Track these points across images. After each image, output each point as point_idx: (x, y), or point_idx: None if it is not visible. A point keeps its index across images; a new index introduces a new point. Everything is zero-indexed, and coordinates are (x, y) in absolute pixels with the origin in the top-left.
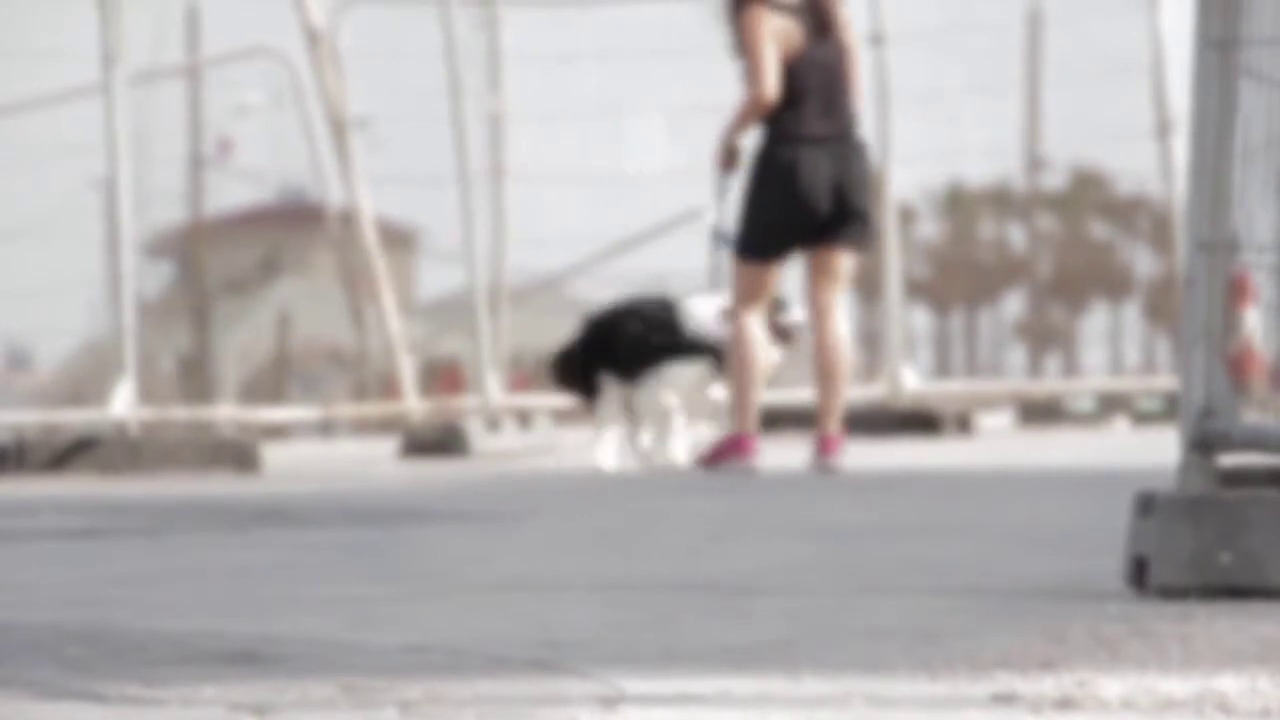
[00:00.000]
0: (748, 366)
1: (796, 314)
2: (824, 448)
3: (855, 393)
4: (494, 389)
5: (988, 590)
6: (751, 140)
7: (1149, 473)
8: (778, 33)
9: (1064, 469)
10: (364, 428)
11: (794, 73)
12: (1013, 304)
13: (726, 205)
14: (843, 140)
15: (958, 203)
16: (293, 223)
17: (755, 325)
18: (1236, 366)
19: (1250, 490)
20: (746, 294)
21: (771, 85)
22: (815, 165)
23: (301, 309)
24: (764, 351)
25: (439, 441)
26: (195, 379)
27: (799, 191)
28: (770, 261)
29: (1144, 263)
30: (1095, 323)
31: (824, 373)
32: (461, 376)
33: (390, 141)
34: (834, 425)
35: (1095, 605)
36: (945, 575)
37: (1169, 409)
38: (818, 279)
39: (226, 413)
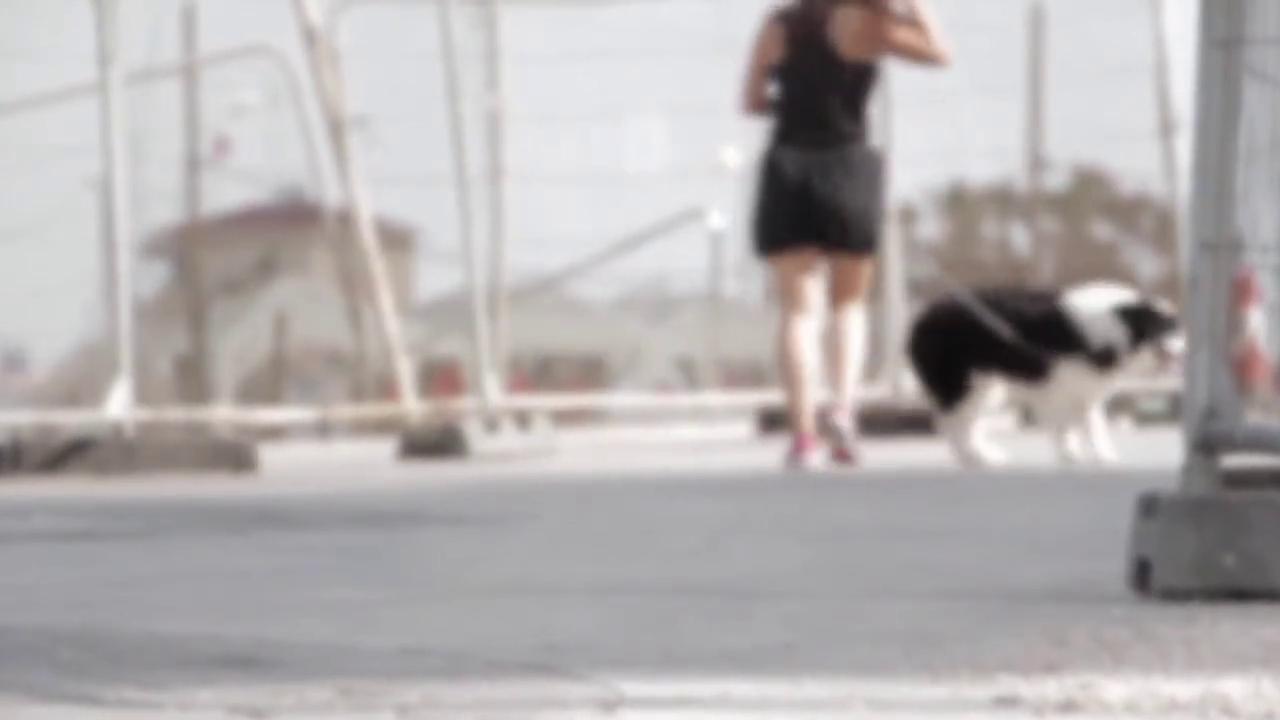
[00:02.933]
0: (788, 369)
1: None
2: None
3: (857, 393)
4: (493, 390)
5: (990, 593)
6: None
7: (1152, 474)
8: (766, 42)
9: (1066, 470)
10: (362, 429)
11: (779, 81)
12: None
13: None
14: (832, 147)
15: (959, 203)
16: (290, 223)
17: (796, 327)
18: (1240, 367)
19: (1254, 492)
20: (779, 295)
21: (743, 96)
22: (792, 167)
23: (299, 310)
24: (809, 352)
25: (437, 443)
26: (192, 380)
27: (773, 191)
28: (774, 258)
29: (1147, 263)
30: None
31: (839, 374)
32: (460, 378)
33: (388, 141)
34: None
35: (1098, 608)
36: (947, 578)
37: (1172, 410)
38: (832, 283)
39: (223, 414)
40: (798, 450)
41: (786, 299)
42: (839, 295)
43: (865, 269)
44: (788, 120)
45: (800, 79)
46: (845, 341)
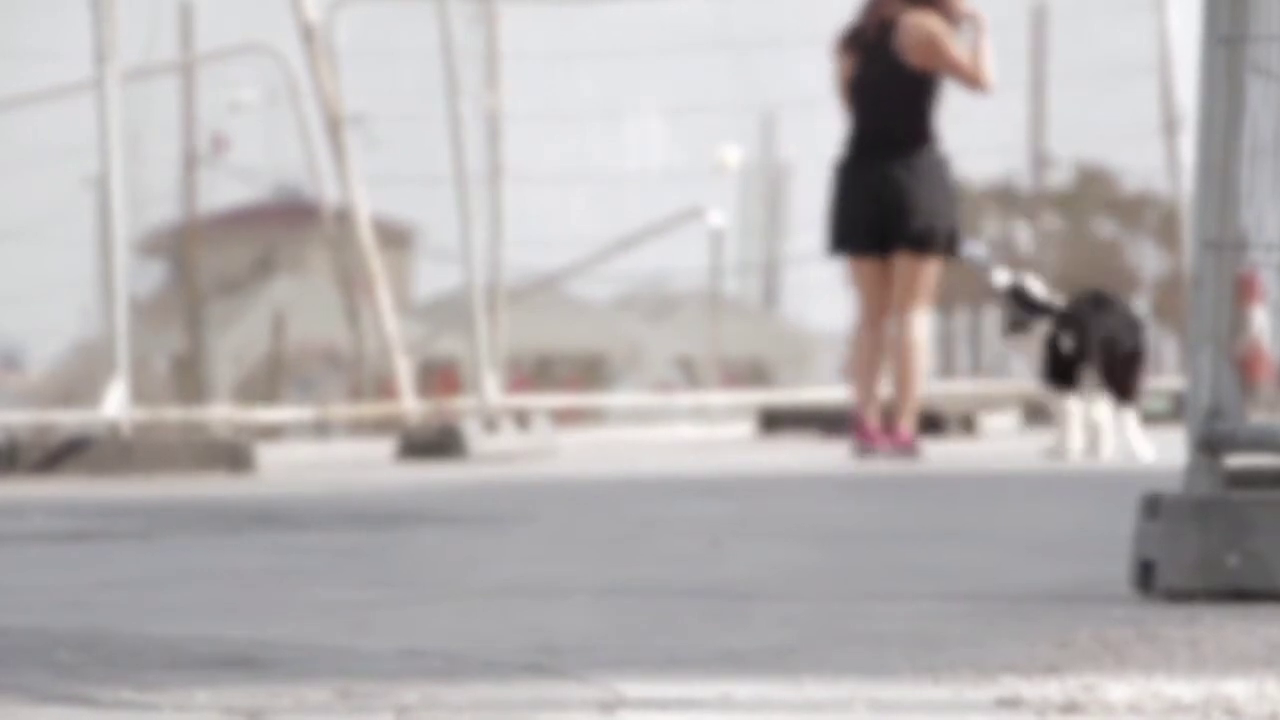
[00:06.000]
0: (855, 369)
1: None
2: (889, 439)
3: (919, 395)
4: (492, 389)
5: (992, 594)
6: None
7: (1155, 474)
8: (839, 56)
9: (1069, 470)
10: (360, 429)
11: (850, 94)
12: None
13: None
14: (894, 153)
15: (962, 201)
16: (288, 221)
17: (865, 330)
18: (1244, 366)
19: (1257, 492)
20: (854, 293)
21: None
22: (853, 175)
23: (297, 308)
24: (877, 353)
25: (436, 443)
26: (189, 379)
27: (836, 198)
28: (848, 258)
29: (1150, 261)
30: None
31: (896, 373)
32: (458, 377)
33: (386, 139)
34: (905, 420)
35: (1101, 609)
36: (948, 579)
37: (1175, 409)
38: (896, 286)
39: (221, 413)
40: (861, 440)
41: (858, 304)
42: (900, 298)
43: (925, 270)
44: (855, 128)
45: (866, 87)
46: (906, 346)
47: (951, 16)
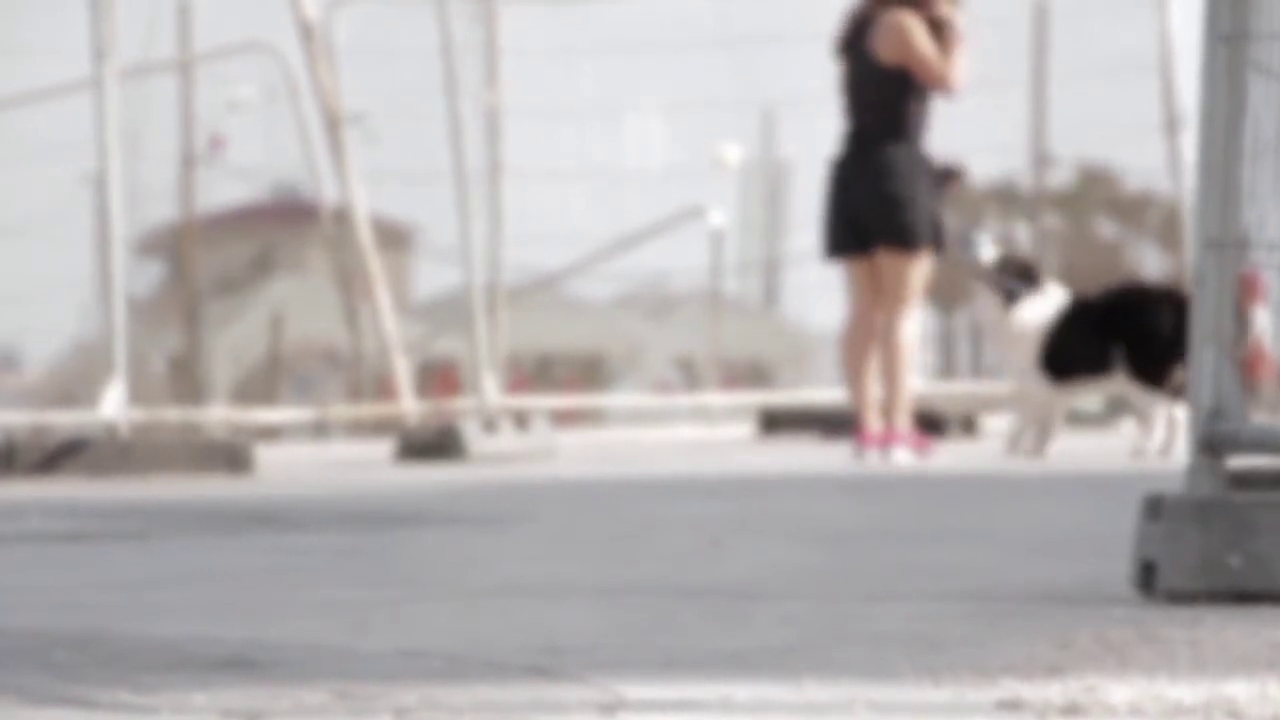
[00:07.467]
0: (846, 370)
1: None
2: (881, 439)
3: (908, 394)
4: (491, 390)
5: (993, 595)
6: None
7: (1157, 475)
8: (839, 60)
9: (1070, 471)
10: (359, 429)
11: (841, 94)
12: None
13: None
14: (866, 149)
15: (962, 200)
16: (286, 220)
17: (852, 328)
18: (1246, 367)
19: (1260, 493)
20: (848, 293)
21: None
22: (836, 175)
23: (295, 308)
24: (867, 352)
25: (435, 443)
26: (187, 379)
27: (827, 196)
28: (835, 260)
29: (1152, 261)
30: None
31: (883, 372)
32: (458, 377)
33: (385, 138)
34: (896, 420)
35: (1103, 610)
36: (950, 580)
37: None
38: (879, 285)
39: (219, 414)
40: (861, 442)
41: (849, 304)
42: (883, 297)
43: (909, 268)
44: (843, 127)
45: (850, 86)
46: (890, 347)
47: (932, 17)
